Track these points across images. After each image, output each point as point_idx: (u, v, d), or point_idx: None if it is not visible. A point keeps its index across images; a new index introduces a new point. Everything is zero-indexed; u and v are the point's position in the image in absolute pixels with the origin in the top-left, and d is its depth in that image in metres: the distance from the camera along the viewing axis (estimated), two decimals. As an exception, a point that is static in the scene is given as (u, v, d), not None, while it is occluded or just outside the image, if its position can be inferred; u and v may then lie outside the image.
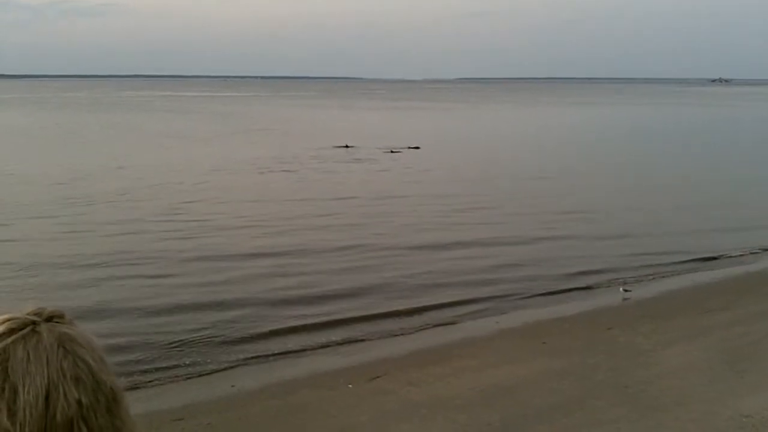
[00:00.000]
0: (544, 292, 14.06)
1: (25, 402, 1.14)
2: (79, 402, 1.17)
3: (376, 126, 61.45)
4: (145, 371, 10.05)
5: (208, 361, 10.56)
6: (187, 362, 10.47)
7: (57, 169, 29.60)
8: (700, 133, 55.81)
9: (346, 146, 40.09)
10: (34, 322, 1.21)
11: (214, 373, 10.23)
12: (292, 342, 11.35)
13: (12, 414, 1.13)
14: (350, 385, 9.26)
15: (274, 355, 10.87)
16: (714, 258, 16.42)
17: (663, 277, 15.03)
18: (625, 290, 13.64)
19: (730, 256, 16.58)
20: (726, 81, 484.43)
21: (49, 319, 1.23)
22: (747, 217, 21.41)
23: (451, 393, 8.69)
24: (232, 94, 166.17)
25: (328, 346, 11.27)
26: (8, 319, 1.21)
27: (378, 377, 9.49)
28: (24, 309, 1.24)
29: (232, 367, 10.41)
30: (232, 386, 9.68)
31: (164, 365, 10.34)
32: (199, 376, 10.11)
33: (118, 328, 11.39)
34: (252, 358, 10.76)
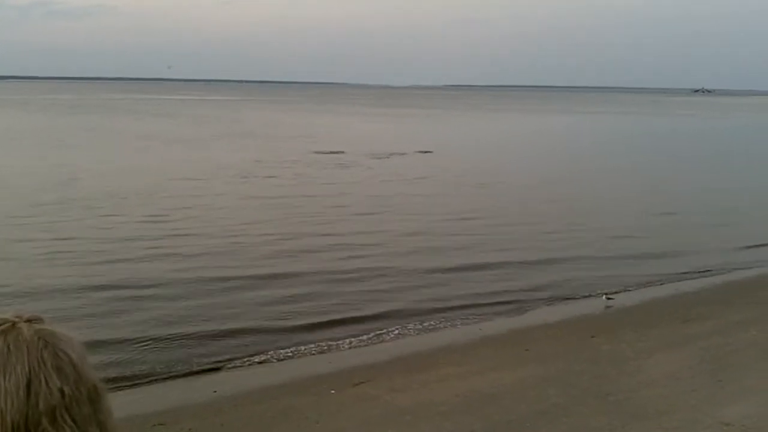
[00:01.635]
0: (527, 299, 14.09)
1: (6, 390, 1.16)
2: (61, 391, 1.19)
3: (362, 131, 61.56)
4: (127, 376, 9.97)
5: (190, 366, 10.49)
6: (169, 367, 10.40)
7: (37, 174, 29.19)
8: (691, 143, 56.45)
9: (332, 152, 39.97)
10: (14, 322, 1.22)
11: (196, 378, 10.17)
12: (275, 347, 11.30)
13: None
14: (333, 391, 9.22)
15: (256, 360, 10.83)
16: (698, 271, 16.52)
17: (645, 286, 15.09)
18: (608, 298, 13.69)
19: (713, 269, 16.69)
20: (708, 91, 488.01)
21: (29, 320, 1.24)
22: (733, 230, 21.66)
23: (435, 399, 8.68)
24: (216, 98, 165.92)
25: (311, 351, 11.24)
26: None
27: (362, 383, 9.46)
28: (2, 313, 1.25)
29: (214, 372, 10.36)
30: (214, 391, 9.62)
31: (146, 370, 10.27)
32: (182, 380, 10.05)
33: (100, 334, 11.28)
34: (234, 363, 10.70)
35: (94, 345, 10.30)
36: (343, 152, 39.85)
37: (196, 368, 10.42)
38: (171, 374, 10.20)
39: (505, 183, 30.25)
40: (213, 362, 10.66)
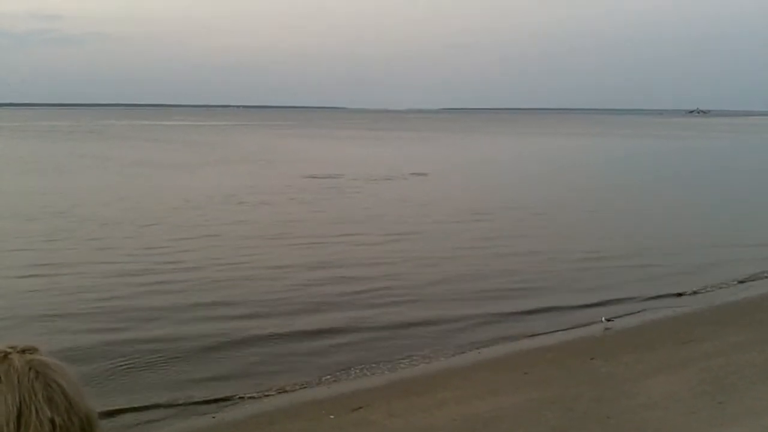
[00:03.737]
0: (527, 322, 14.06)
1: None
2: (52, 421, 1.19)
3: (360, 154, 61.73)
4: (124, 403, 9.91)
5: (189, 391, 10.43)
6: (168, 393, 10.34)
7: (26, 202, 28.86)
8: (687, 164, 56.86)
9: (332, 176, 39.92)
10: (7, 353, 1.22)
11: (194, 404, 10.09)
12: (273, 372, 11.25)
13: None
14: (332, 416, 9.18)
15: (254, 384, 10.75)
16: (694, 290, 16.50)
17: (644, 309, 15.04)
18: (607, 320, 13.67)
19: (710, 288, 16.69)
20: (704, 112, 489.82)
21: (23, 351, 1.24)
22: (727, 248, 21.69)
23: (434, 424, 8.64)
24: (213, 123, 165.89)
25: (308, 375, 11.17)
26: None
27: (360, 408, 9.42)
28: None
29: (212, 398, 10.28)
30: (213, 417, 9.57)
31: (143, 396, 10.21)
32: (180, 407, 9.97)
33: (96, 360, 11.24)
34: (230, 386, 10.63)
35: (91, 376, 10.26)
36: (342, 176, 39.93)
37: (195, 394, 10.35)
38: (170, 401, 10.12)
39: (504, 209, 29.92)
40: (212, 387, 10.60)
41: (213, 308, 14.24)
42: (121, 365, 11.22)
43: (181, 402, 10.09)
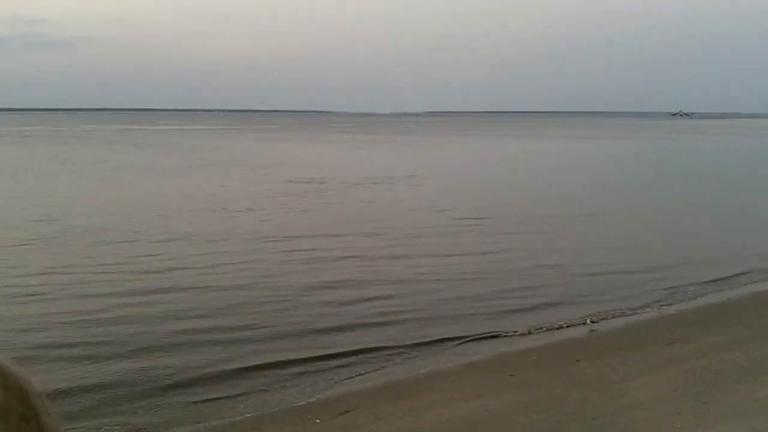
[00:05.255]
0: (511, 324, 14.07)
1: None
2: None
3: (347, 158, 61.77)
4: (107, 410, 9.85)
5: (172, 398, 10.37)
6: (151, 401, 10.27)
7: (10, 209, 28.47)
8: (672, 165, 57.25)
9: (314, 180, 39.89)
10: None
11: (178, 411, 10.04)
12: (258, 377, 11.21)
13: None
14: (318, 421, 9.16)
15: (239, 391, 10.70)
16: (673, 291, 16.57)
17: (629, 311, 15.08)
18: (592, 321, 13.74)
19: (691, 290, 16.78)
20: (687, 114, 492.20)
21: None
22: (711, 250, 21.85)
23: (421, 427, 8.64)
24: (198, 128, 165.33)
25: (294, 380, 11.14)
26: None
27: (346, 412, 9.40)
28: None
29: (196, 404, 10.23)
30: (198, 423, 9.52)
31: (128, 403, 10.15)
32: (164, 417, 9.90)
33: (79, 376, 11.16)
34: (217, 395, 10.58)
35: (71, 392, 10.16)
36: (332, 180, 39.85)
37: (179, 401, 10.29)
38: (154, 408, 10.06)
39: (497, 215, 29.91)
40: (196, 394, 10.55)
41: (203, 333, 13.37)
42: (100, 394, 10.48)
43: (164, 408, 9.98)
